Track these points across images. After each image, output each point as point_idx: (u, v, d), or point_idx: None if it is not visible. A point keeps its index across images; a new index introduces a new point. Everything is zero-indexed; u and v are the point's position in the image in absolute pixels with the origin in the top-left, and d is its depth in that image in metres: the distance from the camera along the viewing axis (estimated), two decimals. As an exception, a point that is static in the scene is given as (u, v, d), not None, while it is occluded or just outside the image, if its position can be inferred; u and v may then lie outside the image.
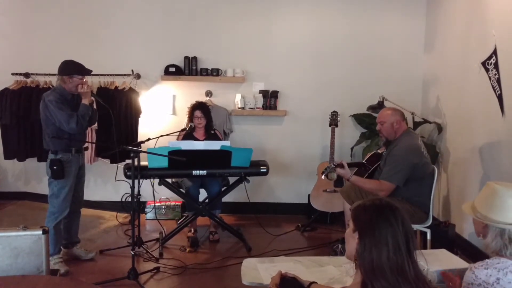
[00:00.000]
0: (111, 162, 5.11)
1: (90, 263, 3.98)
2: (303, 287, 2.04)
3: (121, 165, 4.39)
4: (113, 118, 3.86)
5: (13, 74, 5.25)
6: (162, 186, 4.37)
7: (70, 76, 3.65)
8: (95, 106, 4.10)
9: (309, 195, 5.09)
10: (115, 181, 4.18)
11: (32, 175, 5.65)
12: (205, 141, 4.45)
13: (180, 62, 5.26)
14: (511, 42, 3.48)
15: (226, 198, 4.80)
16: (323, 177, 3.94)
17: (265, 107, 5.27)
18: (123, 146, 3.78)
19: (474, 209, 2.02)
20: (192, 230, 4.58)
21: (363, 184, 3.73)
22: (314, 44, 5.29)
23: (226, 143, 4.35)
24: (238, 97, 5.26)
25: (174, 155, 3.96)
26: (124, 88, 5.15)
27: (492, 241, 1.90)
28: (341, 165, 3.74)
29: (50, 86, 5.02)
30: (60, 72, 3.70)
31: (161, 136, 4.33)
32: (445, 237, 3.84)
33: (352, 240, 1.67)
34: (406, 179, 3.58)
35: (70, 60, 3.72)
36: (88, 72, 3.74)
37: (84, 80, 3.72)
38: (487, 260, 1.88)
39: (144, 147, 4.12)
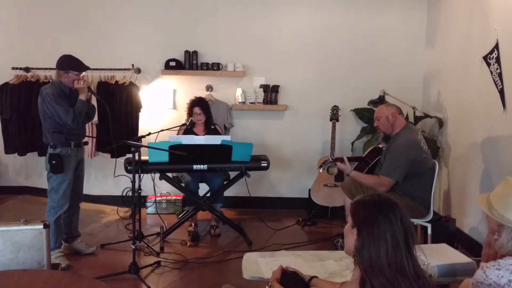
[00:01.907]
0: (112, 157, 5.11)
1: (91, 257, 3.99)
2: (304, 281, 2.04)
3: (120, 160, 4.39)
4: (109, 114, 3.83)
5: (13, 68, 5.25)
6: (163, 181, 4.37)
7: (66, 71, 3.64)
8: (94, 101, 4.08)
9: (309, 190, 5.09)
10: (114, 177, 4.18)
11: (33, 170, 5.66)
12: (205, 135, 4.44)
13: (180, 57, 5.24)
14: (513, 36, 3.47)
15: (227, 193, 4.79)
16: (321, 170, 3.96)
17: (266, 101, 5.26)
18: (124, 140, 3.78)
19: (489, 204, 1.93)
20: (193, 224, 4.59)
21: (363, 180, 3.73)
22: (315, 39, 5.27)
23: (227, 137, 4.34)
24: (238, 91, 5.25)
25: (175, 149, 3.96)
26: (125, 83, 5.14)
27: (508, 242, 1.83)
28: (341, 160, 3.76)
29: (51, 80, 5.01)
30: (57, 66, 3.69)
31: (162, 130, 4.32)
32: (446, 231, 3.84)
33: (351, 235, 1.67)
34: (405, 174, 3.58)
35: (69, 55, 3.70)
36: (84, 68, 3.72)
37: (81, 75, 3.70)
38: (499, 260, 1.83)
39: (144, 141, 4.12)
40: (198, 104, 4.59)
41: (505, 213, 1.85)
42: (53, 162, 3.64)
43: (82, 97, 3.69)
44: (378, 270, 1.56)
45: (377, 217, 1.60)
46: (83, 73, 3.73)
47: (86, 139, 4.08)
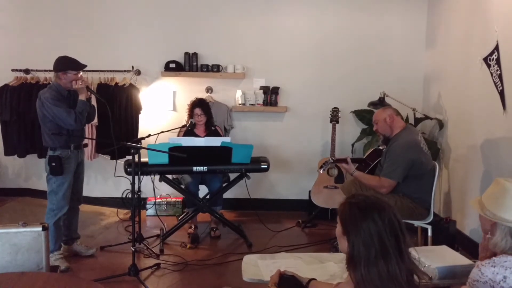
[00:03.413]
0: (112, 159, 5.10)
1: (90, 260, 3.98)
2: (302, 284, 2.03)
3: (120, 162, 4.38)
4: (109, 113, 3.82)
5: (13, 70, 5.25)
6: (163, 183, 4.37)
7: (64, 72, 3.63)
8: (94, 102, 4.07)
9: (309, 191, 5.08)
10: (115, 177, 4.16)
11: (33, 171, 5.65)
12: (205, 137, 4.44)
13: (180, 58, 5.24)
14: (513, 37, 3.46)
15: (227, 195, 4.79)
16: (321, 171, 3.97)
17: (266, 103, 5.26)
18: (123, 142, 3.77)
19: (482, 205, 1.96)
20: (193, 226, 4.58)
21: (365, 180, 3.76)
22: (315, 40, 5.26)
23: (227, 139, 4.34)
24: (238, 93, 5.24)
25: (175, 151, 3.95)
26: (124, 85, 5.13)
27: (502, 240, 1.85)
28: (345, 160, 3.80)
29: (50, 82, 4.99)
30: (54, 68, 3.69)
31: (162, 132, 4.32)
32: (446, 233, 3.84)
33: (342, 241, 1.65)
34: (405, 175, 3.59)
35: (64, 56, 3.71)
36: (82, 66, 3.71)
37: (79, 75, 3.70)
38: (494, 258, 1.85)
39: (144, 143, 4.11)
40: (199, 105, 4.58)
41: (497, 212, 1.89)
42: (53, 164, 3.63)
43: (82, 97, 3.69)
44: (368, 281, 1.53)
45: (362, 222, 1.57)
46: (81, 73, 3.73)
47: (85, 141, 4.08)
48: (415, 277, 1.61)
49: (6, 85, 5.17)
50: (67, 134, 3.66)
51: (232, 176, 4.65)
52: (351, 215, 1.61)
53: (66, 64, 3.66)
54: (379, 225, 1.55)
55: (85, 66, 3.75)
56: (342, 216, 1.65)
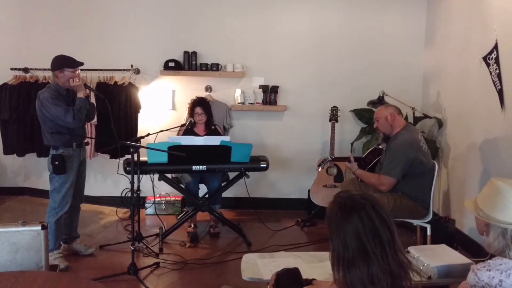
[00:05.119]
0: (111, 158, 5.10)
1: (90, 258, 3.98)
2: (303, 279, 2.01)
3: (120, 160, 4.38)
4: (109, 109, 3.80)
5: (12, 69, 5.24)
6: (162, 182, 4.37)
7: (61, 70, 3.63)
8: (93, 100, 4.07)
9: (309, 190, 5.08)
10: (117, 173, 4.16)
11: (32, 171, 5.65)
12: (205, 136, 4.44)
13: (179, 57, 5.24)
14: (512, 36, 3.47)
15: (226, 194, 4.80)
16: (319, 169, 3.99)
17: (265, 102, 5.26)
18: (123, 141, 3.77)
19: (476, 206, 1.97)
20: (192, 225, 4.58)
21: (366, 179, 3.81)
22: (315, 39, 5.26)
23: (226, 138, 4.33)
24: (238, 92, 5.24)
25: (174, 150, 3.95)
26: (124, 83, 5.13)
27: (495, 241, 1.86)
28: (347, 159, 3.90)
29: (49, 81, 4.99)
30: (51, 68, 3.69)
31: (161, 131, 4.32)
32: (445, 232, 3.84)
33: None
34: (404, 173, 3.60)
35: (60, 55, 3.70)
36: (78, 64, 3.71)
37: (76, 73, 3.70)
38: (489, 261, 1.84)
39: (143, 142, 4.11)
40: (200, 104, 4.58)
41: (491, 213, 1.90)
42: (56, 163, 3.63)
43: (81, 94, 3.68)
44: (350, 283, 1.51)
45: (341, 222, 1.54)
46: (78, 71, 3.73)
47: (87, 139, 4.07)
48: (406, 276, 1.57)
49: (5, 84, 5.17)
50: (68, 133, 3.66)
51: (232, 175, 4.65)
52: (332, 215, 1.58)
53: (62, 63, 3.65)
54: (357, 226, 1.51)
55: (82, 63, 3.74)
56: (326, 216, 1.62)
